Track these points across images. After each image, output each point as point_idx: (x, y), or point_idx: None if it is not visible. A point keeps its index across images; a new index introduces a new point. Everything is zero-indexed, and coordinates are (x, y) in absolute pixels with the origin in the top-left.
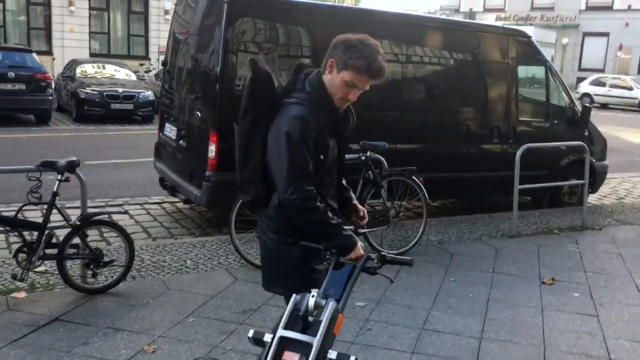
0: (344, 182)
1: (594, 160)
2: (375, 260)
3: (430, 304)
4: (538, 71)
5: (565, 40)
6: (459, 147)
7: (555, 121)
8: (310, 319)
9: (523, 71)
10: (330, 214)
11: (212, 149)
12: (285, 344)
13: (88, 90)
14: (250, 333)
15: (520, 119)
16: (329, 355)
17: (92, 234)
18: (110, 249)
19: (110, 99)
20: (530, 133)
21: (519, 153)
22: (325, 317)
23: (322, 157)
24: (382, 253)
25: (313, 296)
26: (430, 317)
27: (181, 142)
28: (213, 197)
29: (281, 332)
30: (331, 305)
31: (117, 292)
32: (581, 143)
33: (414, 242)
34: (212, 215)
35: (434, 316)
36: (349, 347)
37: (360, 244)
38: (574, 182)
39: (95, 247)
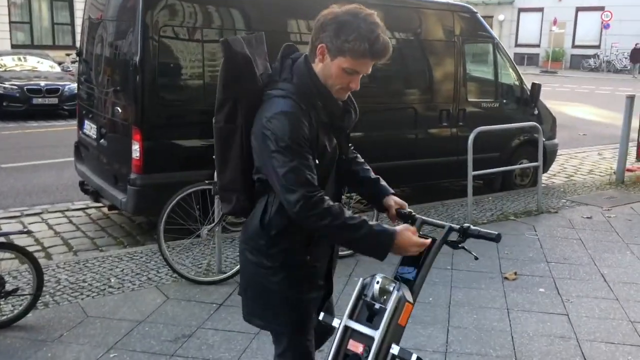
0: (370, 173)
1: (545, 140)
2: (458, 234)
3: None
4: (485, 49)
5: (501, 17)
6: (407, 132)
7: (505, 100)
8: (377, 305)
9: (470, 49)
10: (348, 213)
11: (136, 149)
12: (351, 332)
13: (7, 84)
14: (321, 316)
15: (469, 99)
16: (391, 350)
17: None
18: (21, 269)
19: (32, 94)
20: (480, 114)
21: (471, 137)
22: (388, 308)
23: (316, 161)
24: (465, 225)
25: (378, 282)
26: None
27: (102, 141)
28: (140, 203)
29: (345, 321)
30: (396, 294)
31: (25, 325)
32: (534, 124)
33: None
34: (143, 220)
35: None
36: None
37: (407, 231)
38: (528, 164)
39: None
